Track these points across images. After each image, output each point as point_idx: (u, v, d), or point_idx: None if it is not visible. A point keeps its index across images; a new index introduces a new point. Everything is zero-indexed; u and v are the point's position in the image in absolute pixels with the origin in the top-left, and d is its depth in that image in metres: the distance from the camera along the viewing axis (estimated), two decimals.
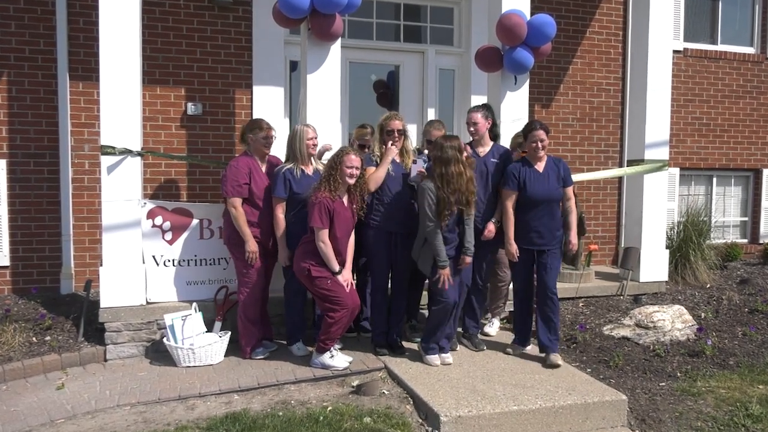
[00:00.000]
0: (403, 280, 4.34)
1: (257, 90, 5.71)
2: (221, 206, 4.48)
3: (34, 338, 4.45)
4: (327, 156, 4.40)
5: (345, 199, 4.01)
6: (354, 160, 3.92)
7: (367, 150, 4.52)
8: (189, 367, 4.21)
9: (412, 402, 3.70)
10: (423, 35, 6.40)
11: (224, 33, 5.64)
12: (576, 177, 5.02)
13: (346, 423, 3.36)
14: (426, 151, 4.54)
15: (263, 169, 4.34)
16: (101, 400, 3.72)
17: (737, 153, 7.41)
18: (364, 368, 4.13)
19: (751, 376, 4.33)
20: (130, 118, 4.44)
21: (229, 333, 4.37)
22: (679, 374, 4.35)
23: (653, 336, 4.87)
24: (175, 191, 5.60)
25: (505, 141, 5.06)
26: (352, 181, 3.95)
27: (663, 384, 4.18)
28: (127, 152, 4.41)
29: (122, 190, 4.43)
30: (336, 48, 4.81)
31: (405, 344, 4.43)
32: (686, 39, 7.15)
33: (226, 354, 4.35)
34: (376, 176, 4.15)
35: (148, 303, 4.56)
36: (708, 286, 6.01)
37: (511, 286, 4.59)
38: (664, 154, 5.78)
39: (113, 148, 4.38)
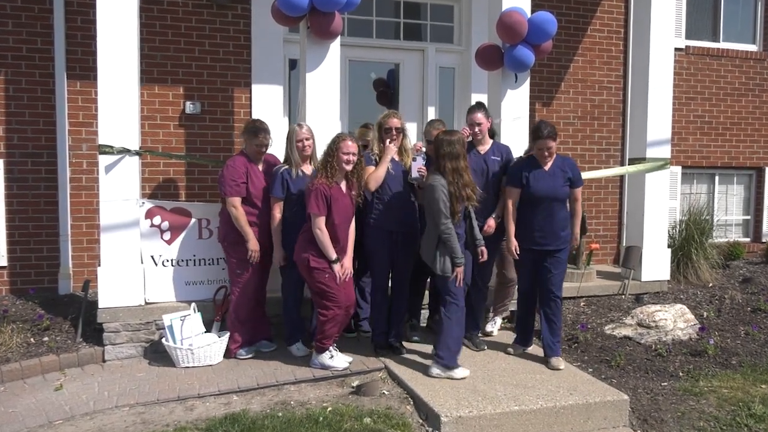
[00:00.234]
0: (404, 279, 4.32)
1: (256, 89, 5.68)
2: (220, 206, 4.46)
3: (32, 339, 4.43)
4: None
5: (343, 186, 3.98)
6: (351, 146, 3.89)
7: (366, 149, 4.49)
8: (188, 367, 4.19)
9: (412, 402, 3.68)
10: (423, 33, 6.37)
11: (223, 31, 5.62)
12: None
13: (346, 424, 3.34)
14: (425, 149, 4.51)
15: (260, 168, 4.32)
16: (100, 401, 3.70)
17: (739, 151, 7.38)
18: (364, 368, 4.11)
19: (754, 375, 4.31)
20: (128, 116, 4.42)
21: (228, 333, 4.35)
22: (681, 374, 4.33)
23: (655, 335, 4.84)
24: (173, 191, 5.57)
25: (506, 139, 5.04)
26: (349, 168, 3.92)
27: (665, 384, 4.15)
28: (125, 151, 4.39)
29: (120, 189, 4.41)
30: (335, 46, 4.78)
31: (405, 344, 4.40)
32: (688, 36, 7.12)
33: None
34: (376, 175, 4.12)
35: (146, 303, 4.54)
36: (710, 285, 5.99)
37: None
38: (665, 152, 5.75)
39: (111, 147, 4.36)
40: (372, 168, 4.16)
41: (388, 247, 4.20)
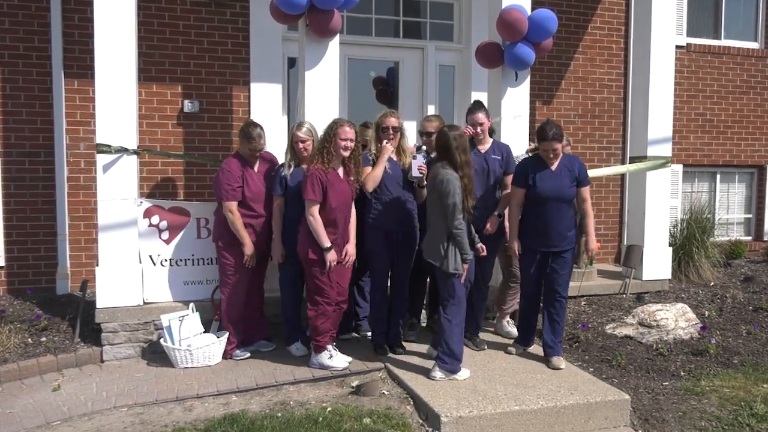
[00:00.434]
0: (404, 279, 4.30)
1: (255, 87, 5.65)
2: (216, 205, 4.43)
3: (29, 339, 4.41)
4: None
5: (340, 171, 3.96)
6: (348, 132, 3.87)
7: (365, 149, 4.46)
8: (187, 368, 4.17)
9: (412, 402, 3.66)
10: (423, 31, 6.34)
11: (221, 29, 5.59)
12: None
13: (346, 424, 3.33)
14: (424, 147, 4.49)
15: (256, 168, 4.29)
16: (98, 401, 3.69)
17: (741, 149, 7.35)
18: (363, 368, 4.09)
19: (756, 375, 4.29)
20: (126, 115, 4.39)
21: (227, 333, 4.33)
22: (682, 373, 4.30)
23: (656, 335, 4.82)
24: (172, 190, 5.55)
25: (506, 138, 5.01)
26: (346, 154, 3.90)
27: (666, 383, 4.13)
28: (123, 150, 4.36)
29: (118, 188, 4.38)
30: (334, 44, 4.75)
31: (405, 344, 4.38)
32: (689, 34, 7.09)
33: None
34: (374, 176, 4.09)
35: (144, 303, 4.52)
36: (712, 284, 5.96)
37: None
38: (667, 150, 5.73)
39: (109, 146, 4.34)
40: (369, 168, 4.13)
41: (387, 247, 4.18)
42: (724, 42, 7.25)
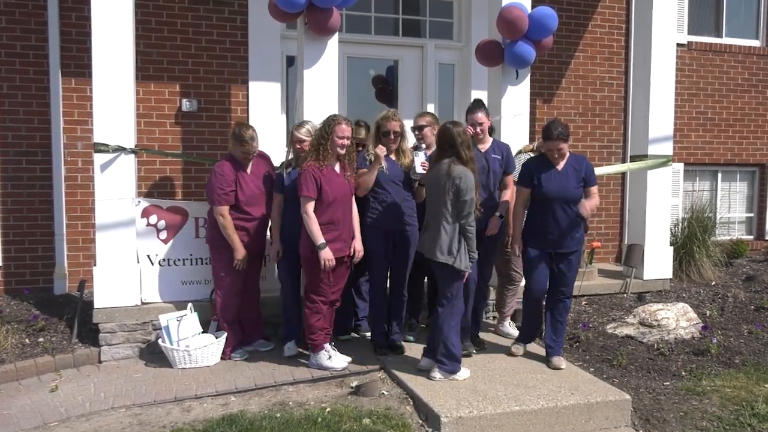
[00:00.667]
0: (403, 279, 4.27)
1: (253, 86, 5.63)
2: None
3: (26, 340, 4.39)
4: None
5: (336, 167, 3.93)
6: (345, 129, 3.85)
7: (361, 149, 4.42)
8: (185, 368, 4.15)
9: (412, 403, 3.64)
10: (422, 29, 6.31)
11: (219, 28, 5.56)
12: None
13: (345, 424, 3.31)
14: (424, 145, 4.45)
15: (249, 170, 4.26)
16: (95, 402, 3.67)
17: (743, 148, 7.32)
18: (363, 369, 4.07)
19: (758, 374, 4.27)
20: (124, 114, 4.37)
21: (226, 334, 4.30)
22: (683, 373, 4.28)
23: (657, 334, 4.79)
24: (170, 189, 5.53)
25: (506, 136, 4.99)
26: (342, 151, 3.88)
27: (667, 383, 4.11)
28: (120, 150, 4.34)
29: (116, 188, 4.36)
30: (333, 43, 4.73)
31: (404, 344, 4.36)
32: (690, 32, 7.07)
33: None
34: (365, 182, 4.07)
35: (143, 303, 4.49)
36: (713, 283, 5.94)
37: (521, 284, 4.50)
38: (668, 149, 5.71)
39: (106, 145, 4.31)
40: (364, 170, 4.11)
41: (386, 247, 4.16)
42: (725, 40, 7.22)
